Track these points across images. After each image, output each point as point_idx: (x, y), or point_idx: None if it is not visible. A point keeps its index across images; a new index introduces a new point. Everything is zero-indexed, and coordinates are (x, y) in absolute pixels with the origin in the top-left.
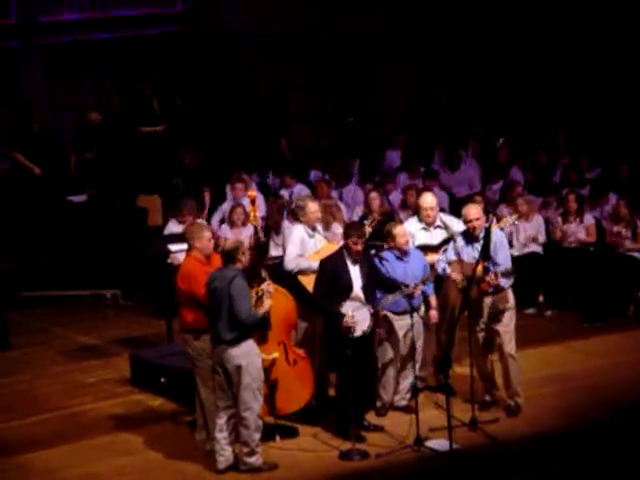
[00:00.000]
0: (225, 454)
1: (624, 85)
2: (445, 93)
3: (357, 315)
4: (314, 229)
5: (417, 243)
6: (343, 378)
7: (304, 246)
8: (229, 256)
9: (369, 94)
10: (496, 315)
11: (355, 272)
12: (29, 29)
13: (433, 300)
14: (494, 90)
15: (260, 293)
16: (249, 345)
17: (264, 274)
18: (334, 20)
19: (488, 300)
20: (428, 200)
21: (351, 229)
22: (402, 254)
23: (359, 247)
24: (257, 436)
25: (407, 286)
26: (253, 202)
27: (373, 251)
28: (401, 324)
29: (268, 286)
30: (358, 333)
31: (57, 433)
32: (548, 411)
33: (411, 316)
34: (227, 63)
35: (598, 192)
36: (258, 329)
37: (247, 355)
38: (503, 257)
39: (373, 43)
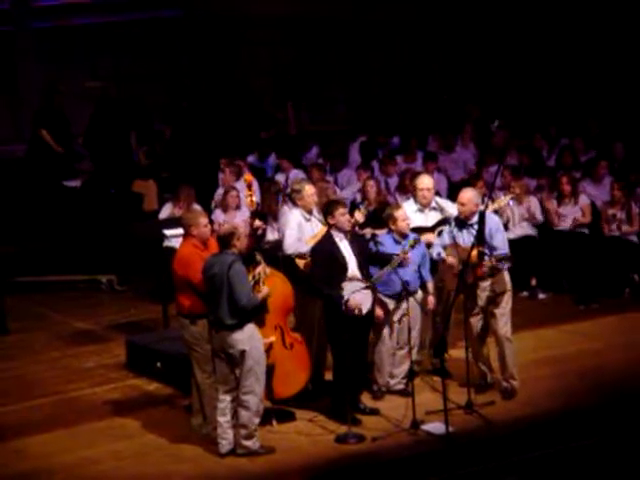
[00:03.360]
0: (228, 437)
1: (620, 67)
2: (438, 65)
3: (359, 295)
4: (310, 213)
5: (412, 225)
6: (340, 361)
7: (301, 230)
8: (224, 241)
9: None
10: (493, 298)
11: (347, 251)
12: (23, 14)
13: (430, 286)
14: (491, 73)
15: (257, 277)
16: (251, 329)
17: (259, 258)
18: (331, 3)
19: (484, 283)
20: (425, 181)
21: (335, 203)
22: (401, 237)
23: (348, 217)
24: (257, 420)
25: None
26: (250, 186)
27: (368, 236)
28: (396, 308)
29: (263, 269)
30: (357, 312)
31: (54, 418)
32: (543, 394)
33: (407, 300)
34: (224, 47)
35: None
36: (259, 313)
37: (250, 339)
38: (500, 241)
39: (369, 27)
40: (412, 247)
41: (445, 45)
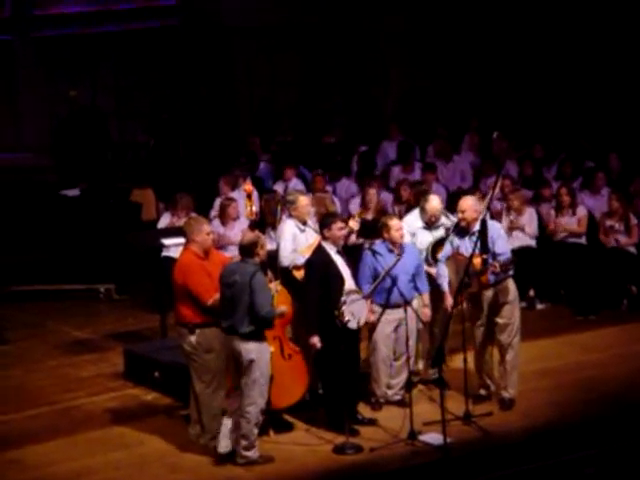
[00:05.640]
0: (229, 438)
1: (618, 78)
2: (441, 88)
3: (354, 307)
4: (305, 223)
5: (419, 240)
6: (329, 374)
7: (296, 241)
8: (248, 250)
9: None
10: (497, 308)
11: (341, 263)
12: (24, 23)
13: (426, 298)
14: (491, 83)
15: (271, 293)
16: (261, 341)
17: (270, 275)
18: (330, 13)
19: (489, 293)
20: (433, 204)
21: (332, 217)
22: (395, 247)
23: (345, 232)
24: (256, 431)
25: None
26: (249, 196)
27: (366, 245)
28: (393, 318)
29: (276, 286)
30: (355, 325)
31: (51, 427)
32: (541, 405)
33: (405, 310)
34: (222, 56)
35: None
36: (272, 326)
37: (260, 350)
38: (502, 246)
39: (368, 35)
40: (396, 262)
41: (445, 55)
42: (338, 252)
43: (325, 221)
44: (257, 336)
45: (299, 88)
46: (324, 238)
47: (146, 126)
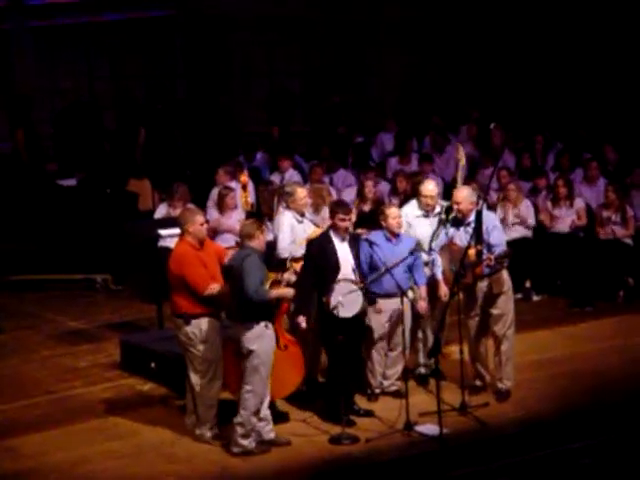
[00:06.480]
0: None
1: (617, 69)
2: (439, 80)
3: (347, 298)
4: (302, 215)
5: (417, 230)
6: (333, 362)
7: (294, 232)
8: (246, 236)
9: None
10: (491, 299)
11: (344, 253)
12: (19, 12)
13: (423, 291)
14: (489, 74)
15: (279, 278)
16: (261, 328)
17: (289, 265)
18: (328, 3)
19: (483, 284)
20: (429, 188)
21: (337, 207)
22: (392, 236)
23: (346, 224)
24: (254, 420)
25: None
26: (245, 187)
27: (364, 235)
28: (388, 307)
29: (290, 275)
30: (346, 314)
31: (47, 417)
32: (537, 396)
33: (401, 301)
34: (218, 47)
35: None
36: (269, 312)
37: (259, 339)
38: (497, 238)
39: (366, 26)
40: (411, 254)
41: (443, 46)
42: (348, 241)
43: (331, 209)
44: (254, 323)
45: (300, 80)
46: (329, 226)
47: (140, 116)
